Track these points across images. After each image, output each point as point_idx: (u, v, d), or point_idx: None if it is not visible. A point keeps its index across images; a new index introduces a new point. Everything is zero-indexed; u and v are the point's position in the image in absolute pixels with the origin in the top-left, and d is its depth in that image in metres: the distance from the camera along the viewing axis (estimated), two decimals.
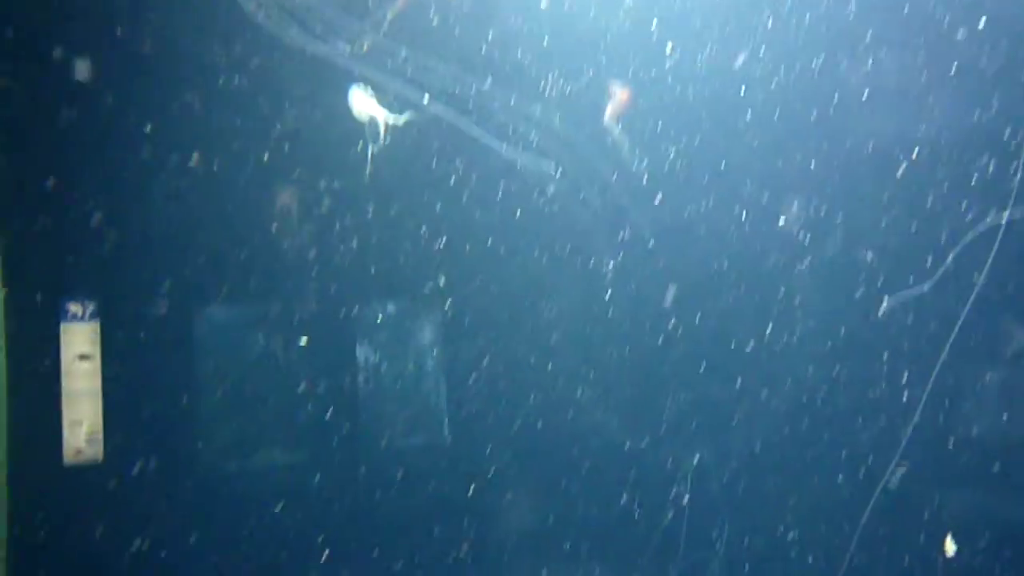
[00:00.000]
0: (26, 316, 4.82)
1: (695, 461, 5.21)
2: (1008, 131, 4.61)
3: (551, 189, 5.75)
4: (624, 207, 5.73)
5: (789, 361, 5.11)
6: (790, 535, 4.95)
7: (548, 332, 6.19)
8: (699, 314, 5.43)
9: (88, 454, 4.96)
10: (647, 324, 5.70)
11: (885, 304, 4.38)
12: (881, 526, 4.63)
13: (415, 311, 6.63)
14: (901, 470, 4.48)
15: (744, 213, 5.30)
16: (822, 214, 5.09)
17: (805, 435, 5.02)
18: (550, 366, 6.15)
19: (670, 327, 5.56)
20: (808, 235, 5.12)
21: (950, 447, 4.64)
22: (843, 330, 4.95)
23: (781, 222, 5.02)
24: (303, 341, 5.86)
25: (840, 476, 4.95)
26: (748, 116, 5.24)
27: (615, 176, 5.61)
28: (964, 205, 4.59)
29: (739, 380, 5.26)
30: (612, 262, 5.79)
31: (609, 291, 5.84)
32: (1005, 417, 4.57)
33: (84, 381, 5.05)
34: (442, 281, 6.22)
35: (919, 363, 4.67)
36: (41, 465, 4.70)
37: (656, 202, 5.57)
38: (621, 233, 5.79)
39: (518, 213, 5.90)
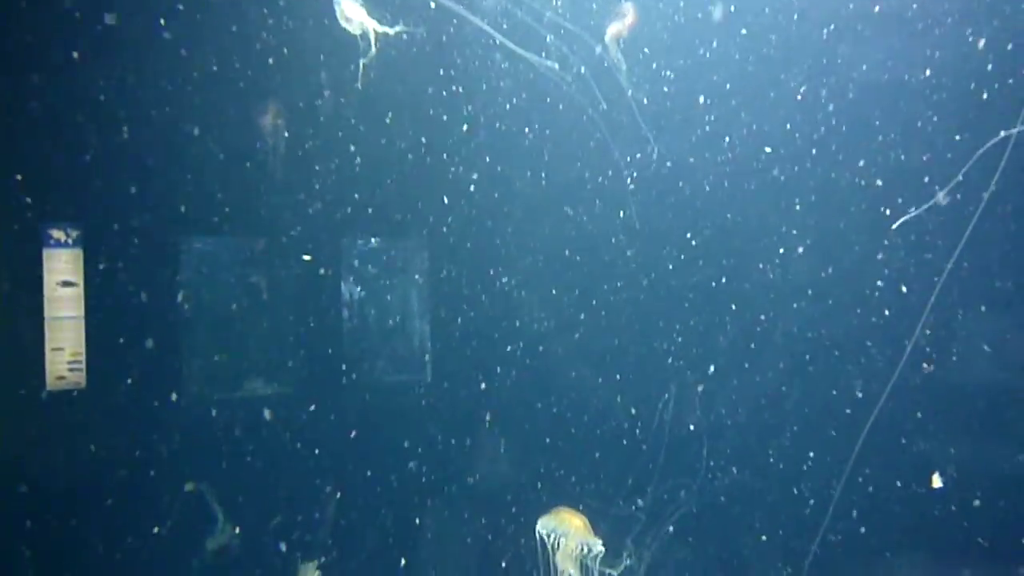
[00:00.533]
0: (7, 242, 4.77)
1: (691, 389, 5.20)
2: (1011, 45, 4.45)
3: (548, 111, 5.77)
4: (624, 130, 5.64)
5: (790, 282, 5.05)
6: (780, 465, 4.97)
7: (539, 266, 6.24)
8: (695, 240, 5.37)
9: (71, 380, 4.97)
10: (643, 253, 5.65)
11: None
12: (873, 458, 4.61)
13: (402, 244, 6.66)
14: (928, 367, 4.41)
15: (745, 132, 5.19)
16: (823, 131, 4.95)
17: (800, 360, 4.97)
18: (539, 300, 6.19)
19: (665, 254, 5.52)
20: (813, 151, 4.98)
21: (950, 376, 4.55)
22: (846, 252, 4.84)
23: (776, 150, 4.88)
24: (307, 258, 5.87)
25: (837, 404, 4.91)
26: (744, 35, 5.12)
27: (616, 97, 5.53)
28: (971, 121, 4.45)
29: (736, 304, 5.22)
30: (607, 189, 5.73)
31: (605, 221, 5.81)
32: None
33: (67, 308, 5.03)
34: (431, 212, 6.17)
35: (922, 283, 4.57)
36: (23, 391, 4.72)
37: (655, 129, 5.49)
38: (618, 159, 5.72)
39: (514, 136, 5.82)
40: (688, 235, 5.42)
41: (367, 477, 5.74)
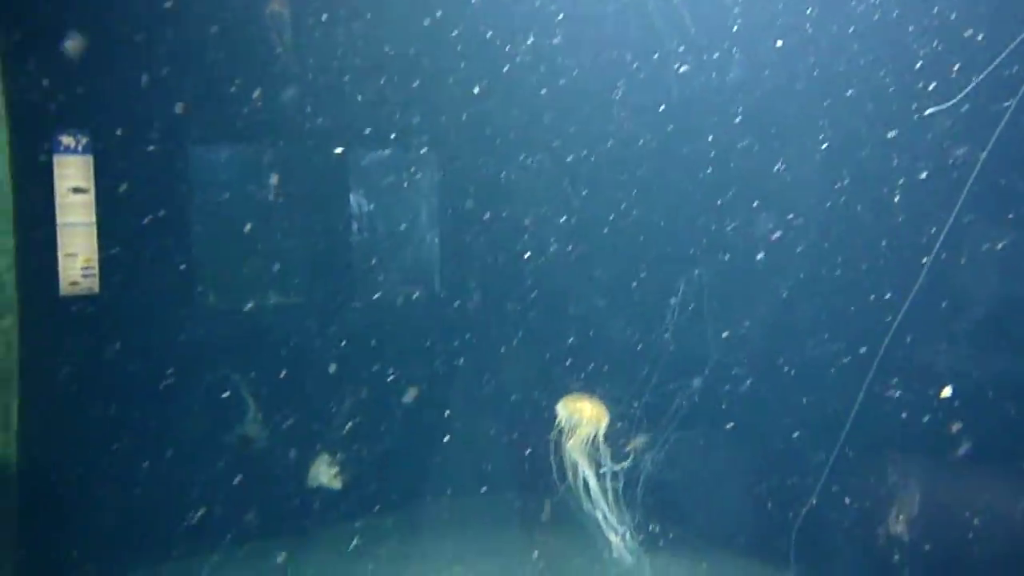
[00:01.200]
0: (19, 149, 4.78)
1: (703, 291, 5.14)
2: None
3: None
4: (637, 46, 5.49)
5: (809, 185, 4.92)
6: (792, 373, 4.94)
7: (547, 170, 6.17)
8: (712, 151, 5.26)
9: (84, 286, 5.06)
10: (655, 160, 5.57)
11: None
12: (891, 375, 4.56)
13: (411, 157, 6.61)
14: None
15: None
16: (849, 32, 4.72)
17: (817, 269, 4.90)
18: (549, 207, 6.17)
19: (675, 159, 5.44)
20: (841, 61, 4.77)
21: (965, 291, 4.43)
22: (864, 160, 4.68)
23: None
24: (339, 151, 5.88)
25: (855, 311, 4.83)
26: None
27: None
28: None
29: (751, 207, 5.14)
30: (620, 104, 5.61)
31: (617, 131, 5.70)
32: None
33: (78, 214, 5.07)
34: (441, 125, 6.14)
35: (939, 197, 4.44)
36: (39, 297, 4.80)
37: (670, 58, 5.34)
38: (630, 76, 5.60)
39: (524, 49, 5.66)
40: (709, 143, 5.29)
41: (380, 381, 5.88)
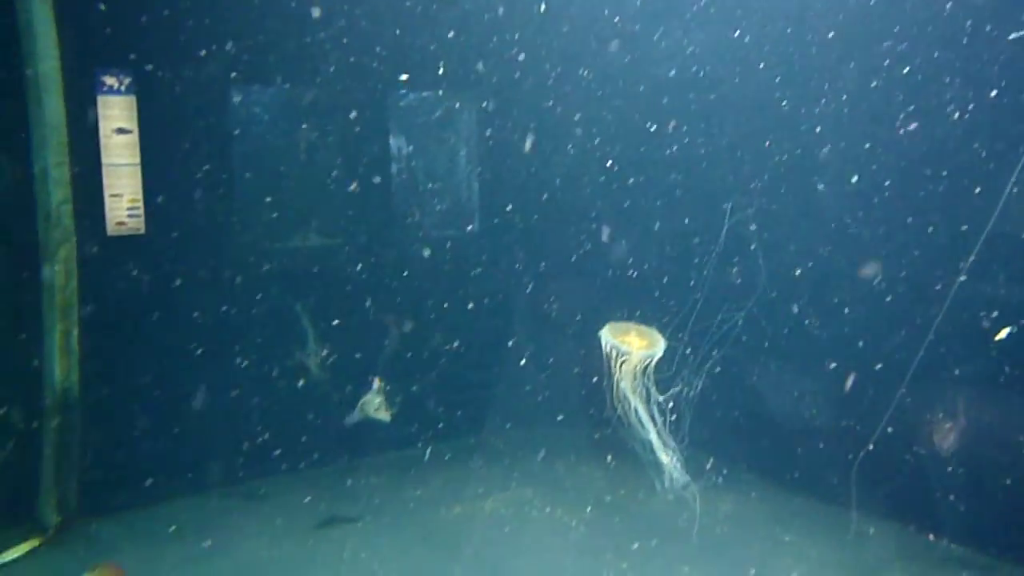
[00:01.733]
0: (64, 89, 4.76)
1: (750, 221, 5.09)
2: None
3: None
4: None
5: (861, 113, 4.83)
6: (845, 310, 4.94)
7: (590, 106, 6.08)
8: (762, 79, 5.19)
9: (130, 226, 5.09)
10: (706, 91, 5.49)
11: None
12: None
13: (450, 99, 6.57)
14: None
15: None
16: None
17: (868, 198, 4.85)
18: (590, 144, 6.10)
19: (725, 90, 5.37)
20: None
21: None
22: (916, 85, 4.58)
23: None
24: (404, 78, 5.94)
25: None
26: None
27: None
28: None
29: (804, 138, 5.10)
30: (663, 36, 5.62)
31: (664, 61, 5.62)
32: None
33: (122, 154, 5.08)
34: (480, 67, 6.10)
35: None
36: (94, 229, 4.82)
37: None
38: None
39: None
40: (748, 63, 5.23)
41: (425, 316, 5.93)
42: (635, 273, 5.87)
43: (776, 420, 5.18)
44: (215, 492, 5.05)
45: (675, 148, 5.66)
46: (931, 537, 4.49)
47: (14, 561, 4.12)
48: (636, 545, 4.45)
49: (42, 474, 4.39)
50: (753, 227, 4.91)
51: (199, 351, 5.12)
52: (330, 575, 4.11)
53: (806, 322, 4.95)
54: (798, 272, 4.98)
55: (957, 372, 4.33)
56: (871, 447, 4.42)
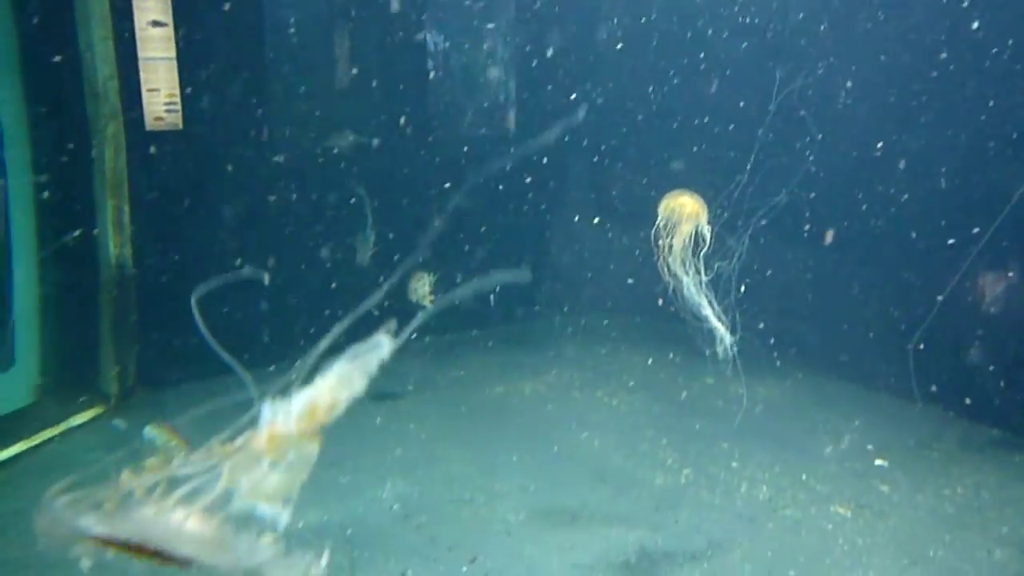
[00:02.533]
0: None
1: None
2: None
3: None
4: None
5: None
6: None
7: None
8: None
9: (168, 121, 5.07)
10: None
11: None
12: None
13: None
14: None
15: None
16: None
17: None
18: (632, 44, 6.02)
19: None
20: None
21: None
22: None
23: None
24: None
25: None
26: None
27: None
28: None
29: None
30: None
31: None
32: None
33: (158, 48, 5.03)
34: None
35: None
36: (127, 133, 4.80)
37: None
38: None
39: None
40: None
41: (465, 207, 6.00)
42: (683, 158, 5.81)
43: (821, 304, 5.20)
44: (267, 368, 5.14)
45: (725, 33, 5.55)
46: (972, 422, 4.53)
47: (80, 426, 4.29)
48: (676, 424, 4.54)
49: (101, 346, 4.51)
50: (803, 112, 4.83)
51: (247, 239, 5.17)
52: (380, 442, 4.24)
53: (863, 208, 4.90)
54: (854, 155, 4.91)
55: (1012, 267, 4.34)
56: (919, 342, 4.43)
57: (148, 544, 1.19)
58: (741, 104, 5.33)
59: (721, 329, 3.90)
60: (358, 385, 1.27)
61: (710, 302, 3.90)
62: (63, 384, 4.62)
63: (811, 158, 4.83)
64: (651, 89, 6.08)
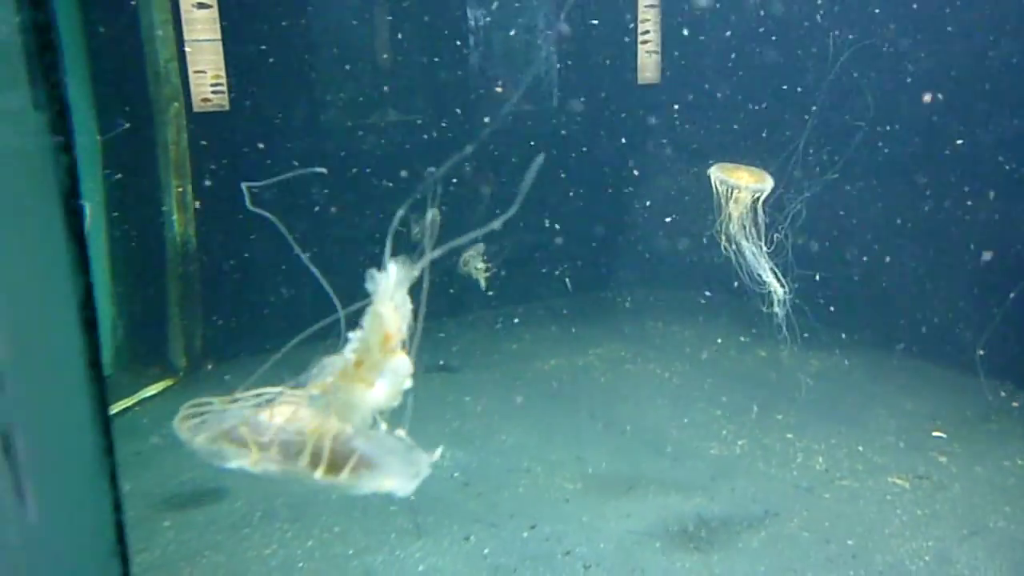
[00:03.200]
0: None
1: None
2: None
3: None
4: None
5: None
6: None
7: None
8: None
9: (215, 103, 5.19)
10: None
11: None
12: None
13: None
14: None
15: None
16: None
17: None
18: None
19: None
20: None
21: None
22: None
23: None
24: None
25: None
26: None
27: None
28: None
29: None
30: None
31: None
32: None
33: (204, 30, 5.14)
34: None
35: None
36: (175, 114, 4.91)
37: None
38: None
39: None
40: None
41: (515, 185, 5.95)
42: (742, 117, 5.75)
43: (878, 277, 5.15)
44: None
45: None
46: None
47: (150, 398, 4.48)
48: (729, 396, 4.56)
49: (169, 321, 4.69)
50: (856, 75, 4.75)
51: (304, 218, 5.29)
52: (437, 414, 4.35)
53: (922, 183, 4.83)
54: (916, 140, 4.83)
55: None
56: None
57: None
58: (798, 73, 5.26)
59: (776, 299, 3.89)
60: (405, 302, 1.33)
61: (765, 275, 3.90)
62: (135, 358, 4.83)
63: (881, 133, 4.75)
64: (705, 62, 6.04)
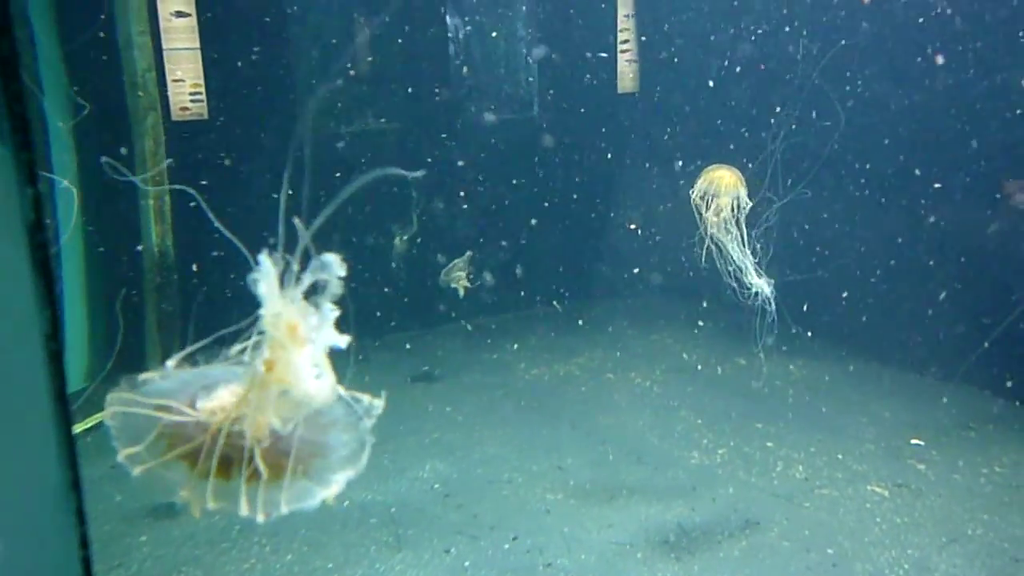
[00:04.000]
0: None
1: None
2: None
3: None
4: None
5: None
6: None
7: None
8: None
9: (194, 111, 5.16)
10: None
11: None
12: None
13: None
14: None
15: None
16: None
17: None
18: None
19: None
20: None
21: None
22: None
23: None
24: None
25: None
26: None
27: None
28: None
29: None
30: None
31: None
32: None
33: (182, 39, 5.12)
34: None
35: None
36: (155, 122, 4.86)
37: None
38: None
39: None
40: None
41: (499, 195, 6.03)
42: (717, 133, 5.79)
43: (856, 284, 5.19)
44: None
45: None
46: (1010, 402, 4.51)
47: None
48: (710, 405, 4.58)
49: (147, 332, 4.63)
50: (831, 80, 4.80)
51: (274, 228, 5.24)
52: (419, 425, 4.32)
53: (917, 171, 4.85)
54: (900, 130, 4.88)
55: None
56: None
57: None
58: (774, 78, 5.31)
59: (763, 297, 3.89)
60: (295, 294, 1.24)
61: (750, 276, 3.91)
62: (112, 369, 4.76)
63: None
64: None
